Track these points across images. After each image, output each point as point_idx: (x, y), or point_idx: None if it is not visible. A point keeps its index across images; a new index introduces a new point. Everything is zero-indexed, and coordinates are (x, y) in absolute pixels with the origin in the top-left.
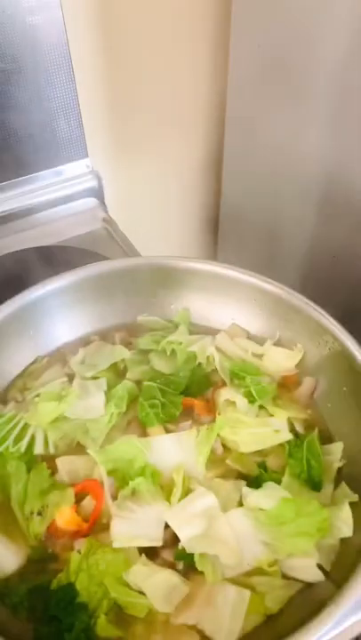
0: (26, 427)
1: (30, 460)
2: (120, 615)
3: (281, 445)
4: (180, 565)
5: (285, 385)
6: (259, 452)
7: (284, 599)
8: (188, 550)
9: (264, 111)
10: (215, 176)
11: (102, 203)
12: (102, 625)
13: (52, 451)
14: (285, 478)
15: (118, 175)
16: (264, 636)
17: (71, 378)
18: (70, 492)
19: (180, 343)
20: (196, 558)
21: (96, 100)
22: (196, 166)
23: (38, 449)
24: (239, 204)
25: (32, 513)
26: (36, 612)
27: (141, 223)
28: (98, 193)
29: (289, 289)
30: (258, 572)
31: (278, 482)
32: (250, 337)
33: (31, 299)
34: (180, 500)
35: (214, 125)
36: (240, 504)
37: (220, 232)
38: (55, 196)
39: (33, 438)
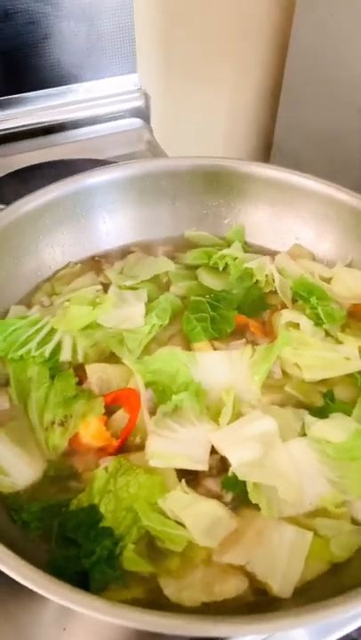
0: (52, 332)
1: (55, 368)
2: (152, 547)
3: (350, 376)
4: (228, 497)
5: (356, 314)
6: (324, 382)
7: (353, 546)
8: (241, 477)
9: (332, 38)
10: (269, 107)
11: (148, 124)
12: (130, 557)
13: (80, 359)
14: (357, 410)
15: (167, 97)
16: (329, 587)
17: (107, 288)
18: (100, 402)
19: (236, 258)
20: (250, 488)
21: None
22: (250, 97)
23: (65, 355)
24: (294, 136)
25: (53, 423)
26: (50, 534)
27: (187, 149)
28: (144, 113)
29: None
30: (322, 513)
31: (348, 414)
32: (316, 260)
33: (70, 189)
34: (229, 424)
35: (275, 55)
36: (302, 435)
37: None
38: (99, 111)
39: (60, 344)
